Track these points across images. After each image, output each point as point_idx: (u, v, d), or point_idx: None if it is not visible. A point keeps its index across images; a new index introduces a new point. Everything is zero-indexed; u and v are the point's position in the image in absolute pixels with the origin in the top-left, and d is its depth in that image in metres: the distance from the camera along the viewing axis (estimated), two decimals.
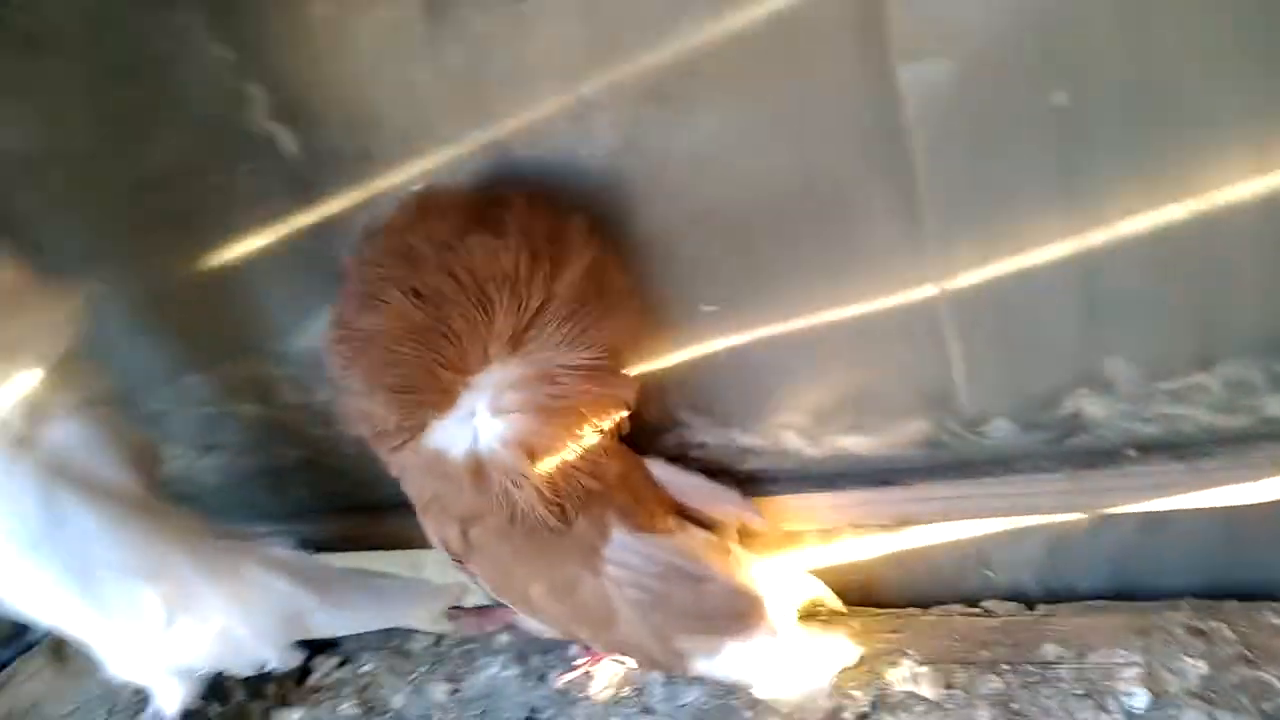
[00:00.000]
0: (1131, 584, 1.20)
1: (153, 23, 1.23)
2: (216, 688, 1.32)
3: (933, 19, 0.95)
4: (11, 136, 1.40)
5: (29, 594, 1.10)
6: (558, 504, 1.05)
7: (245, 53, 1.21)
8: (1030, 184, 1.00)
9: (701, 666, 1.14)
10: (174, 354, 1.50)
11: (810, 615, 1.28)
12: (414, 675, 1.39)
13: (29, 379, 1.15)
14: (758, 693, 1.18)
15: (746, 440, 1.26)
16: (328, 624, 1.30)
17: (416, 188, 1.18)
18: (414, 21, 1.12)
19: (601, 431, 1.09)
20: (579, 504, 1.07)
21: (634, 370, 1.17)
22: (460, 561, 1.14)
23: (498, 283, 1.01)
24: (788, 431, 1.24)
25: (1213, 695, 1.02)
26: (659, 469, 1.20)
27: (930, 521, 1.23)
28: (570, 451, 1.06)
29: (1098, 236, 1.00)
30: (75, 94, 1.32)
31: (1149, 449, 1.10)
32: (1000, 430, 1.16)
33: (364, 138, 1.21)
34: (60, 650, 1.53)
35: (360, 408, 1.07)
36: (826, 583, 1.29)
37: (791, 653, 1.16)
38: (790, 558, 1.30)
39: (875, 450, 1.22)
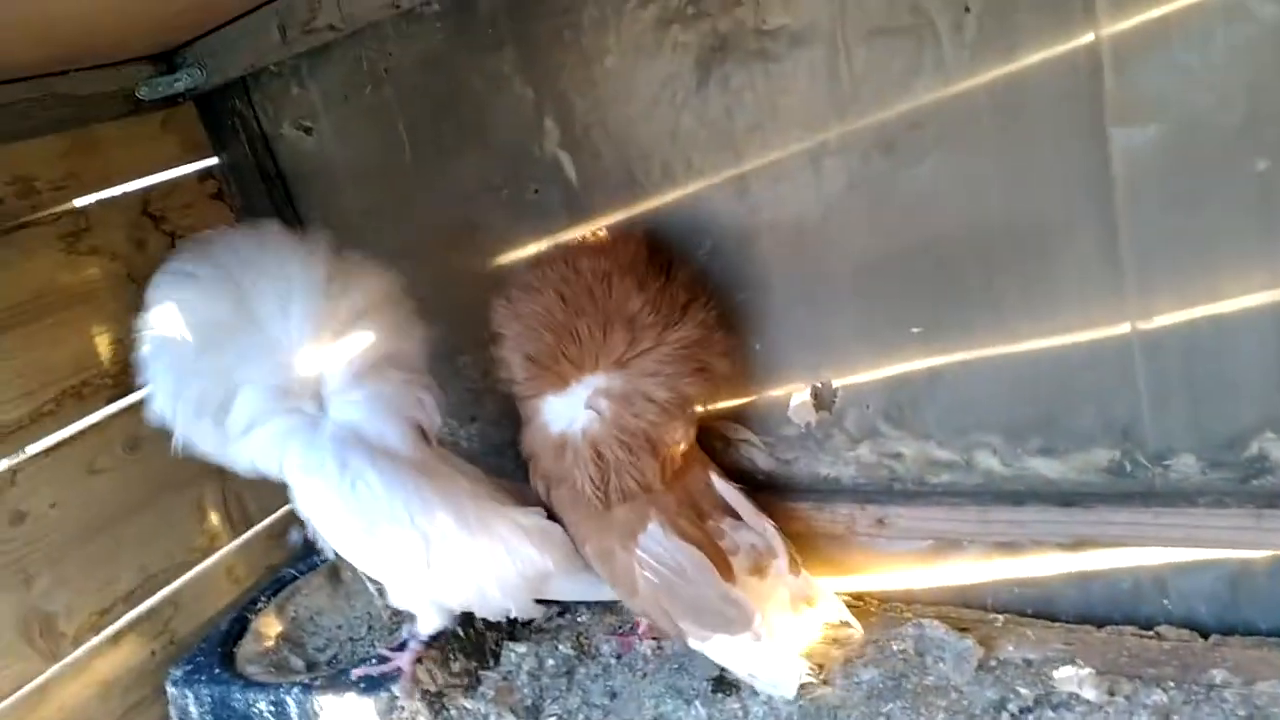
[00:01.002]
0: None
1: (472, 64, 1.54)
2: (464, 615, 1.58)
3: (1146, 90, 1.09)
4: (350, 151, 1.75)
5: (332, 533, 1.38)
6: (601, 493, 1.37)
7: (545, 92, 1.48)
8: (1229, 240, 1.11)
9: (695, 645, 1.41)
10: (452, 338, 1.80)
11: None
12: (622, 629, 1.61)
13: (351, 349, 1.43)
14: (734, 675, 1.42)
15: (941, 454, 1.40)
16: (562, 590, 1.54)
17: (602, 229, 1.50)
18: (686, 74, 1.35)
19: (661, 455, 1.38)
20: (622, 498, 1.38)
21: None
22: (548, 510, 1.48)
23: (622, 320, 1.34)
24: (982, 450, 1.37)
25: None
26: (722, 485, 1.46)
27: (1109, 545, 1.32)
28: (625, 459, 1.37)
29: None
30: (405, 120, 1.65)
31: None
32: (1184, 465, 1.25)
33: (633, 168, 1.45)
34: (337, 573, 1.85)
35: (504, 359, 1.44)
36: (1002, 596, 1.41)
37: (769, 653, 1.37)
38: (825, 583, 1.48)
39: (1062, 474, 1.33)
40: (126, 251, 1.72)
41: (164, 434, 1.70)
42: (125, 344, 1.67)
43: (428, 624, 1.50)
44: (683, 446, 1.42)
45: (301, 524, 1.84)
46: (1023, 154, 1.19)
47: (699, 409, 1.45)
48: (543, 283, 1.40)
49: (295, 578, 1.85)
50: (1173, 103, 1.09)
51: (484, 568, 1.44)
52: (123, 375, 1.67)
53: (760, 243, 1.41)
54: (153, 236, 1.77)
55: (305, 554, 1.89)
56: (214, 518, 1.81)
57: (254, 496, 1.86)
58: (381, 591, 1.83)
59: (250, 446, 1.35)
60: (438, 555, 1.38)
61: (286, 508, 1.89)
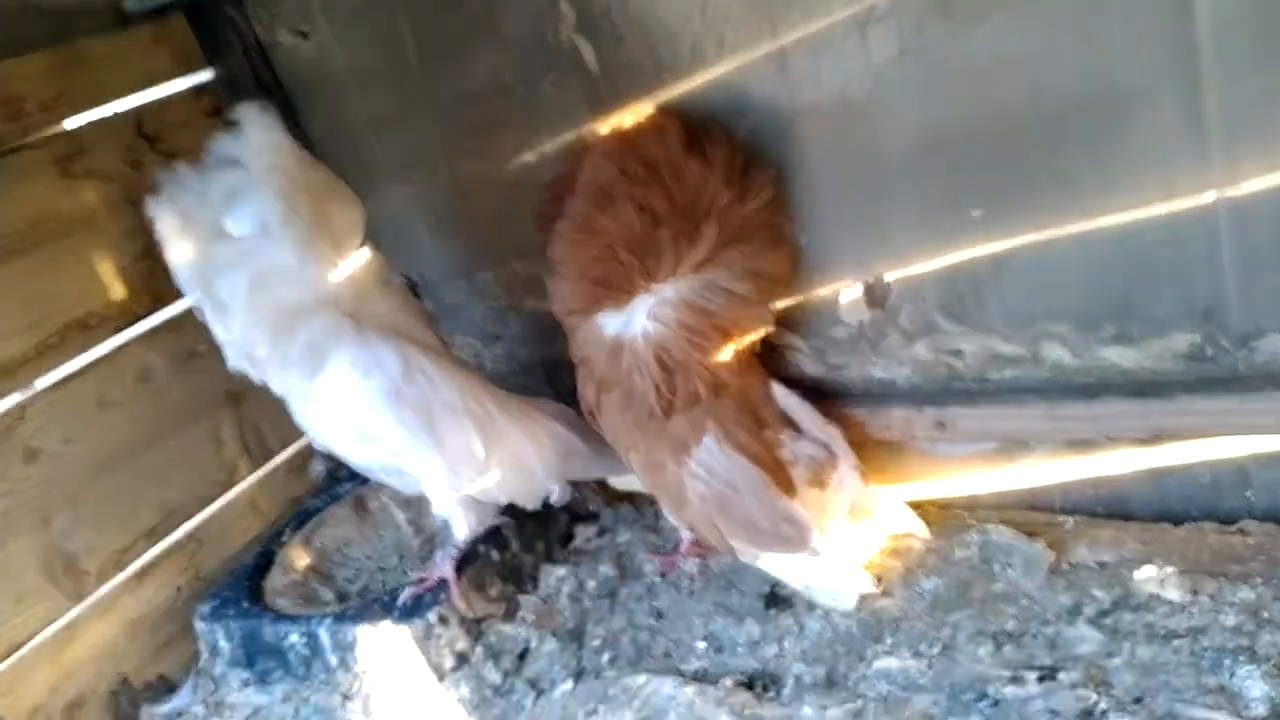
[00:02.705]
0: None
1: None
2: (499, 538, 1.51)
3: None
4: (351, 54, 1.63)
5: (385, 440, 1.32)
6: (667, 401, 1.29)
7: None
8: None
9: (747, 559, 1.35)
10: (470, 253, 1.71)
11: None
12: (664, 548, 1.54)
13: (359, 259, 1.36)
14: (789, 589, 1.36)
15: (1005, 348, 1.31)
16: (596, 467, 1.51)
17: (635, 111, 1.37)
18: None
19: (734, 350, 1.30)
20: (684, 406, 1.30)
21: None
22: (592, 416, 1.40)
23: (703, 211, 1.24)
24: (1050, 341, 1.27)
25: None
26: (782, 393, 1.38)
27: (1189, 437, 1.23)
28: (694, 365, 1.29)
29: None
30: (407, 16, 1.53)
31: None
32: (1272, 346, 1.15)
33: (659, 50, 1.33)
34: (363, 503, 1.78)
35: (562, 290, 1.34)
36: (1073, 497, 1.33)
37: (827, 565, 1.30)
38: (893, 492, 1.41)
39: (1137, 362, 1.23)
40: (123, 174, 1.63)
41: (174, 364, 1.65)
42: (129, 271, 1.59)
43: (464, 528, 1.44)
44: (761, 334, 1.35)
45: (324, 456, 1.78)
46: (1095, 12, 1.07)
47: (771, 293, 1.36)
48: (609, 193, 1.29)
49: (320, 509, 1.78)
50: None
51: (526, 448, 1.42)
52: (129, 304, 1.60)
53: (802, 125, 1.29)
54: (148, 158, 1.67)
55: (328, 485, 1.82)
56: (232, 449, 1.74)
57: (272, 428, 1.79)
58: (411, 520, 1.78)
59: (294, 355, 1.29)
60: (489, 439, 1.37)
61: (307, 439, 1.83)
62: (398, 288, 1.45)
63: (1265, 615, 1.10)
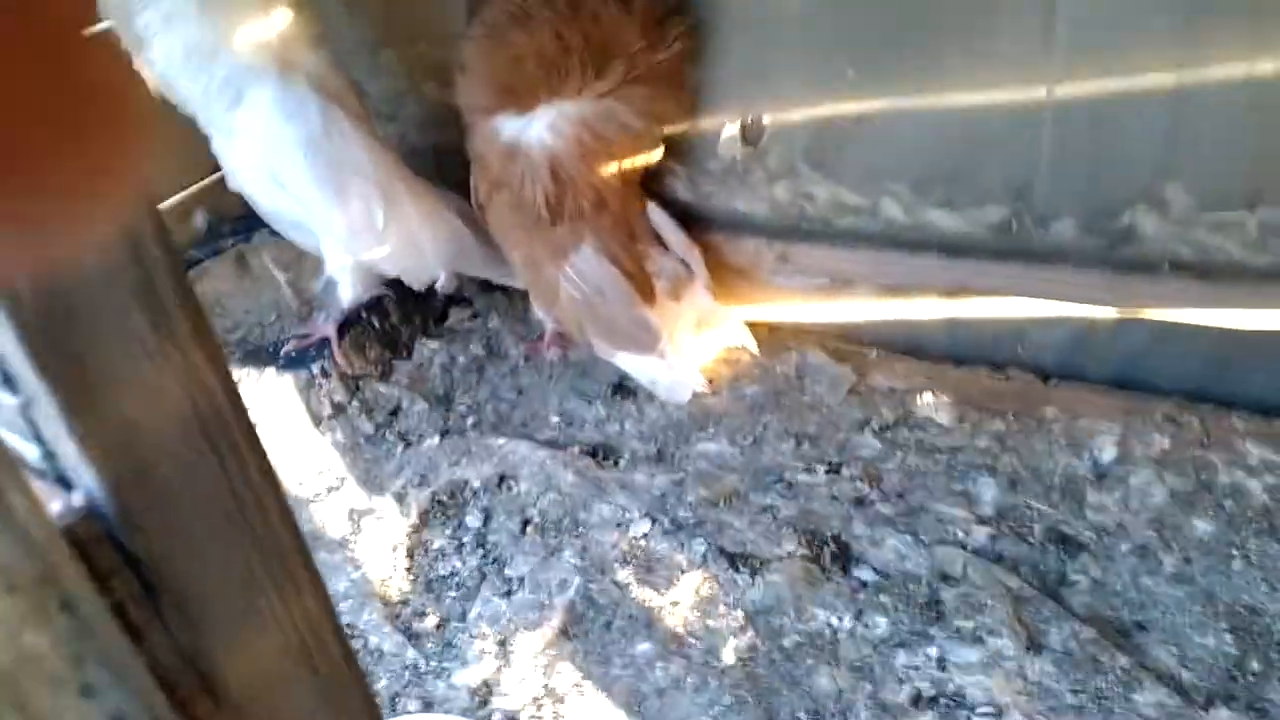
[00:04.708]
0: (1132, 379, 1.45)
1: None
2: (380, 307, 1.64)
3: None
4: None
5: (294, 186, 1.40)
6: (553, 210, 1.44)
7: None
8: (1156, 22, 1.18)
9: (602, 355, 1.55)
10: (379, 28, 1.74)
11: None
12: (530, 337, 1.71)
13: (283, 19, 1.40)
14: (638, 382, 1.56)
15: (851, 199, 1.50)
16: (484, 267, 1.64)
17: None
18: None
19: (619, 171, 1.45)
20: (568, 217, 1.46)
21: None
22: (481, 210, 1.55)
23: (610, 50, 1.37)
24: (889, 198, 1.47)
25: (1166, 463, 1.30)
26: (656, 213, 1.54)
27: (983, 294, 1.47)
28: (583, 181, 1.43)
29: (1197, 74, 1.18)
30: None
31: (1181, 267, 1.33)
32: (1063, 228, 1.38)
33: None
34: (244, 260, 1.86)
35: (469, 86, 1.46)
36: (881, 333, 1.57)
37: (670, 365, 1.50)
38: (735, 311, 1.61)
39: (955, 227, 1.45)
40: None
41: None
42: None
43: (349, 292, 1.56)
44: (646, 162, 1.47)
45: (206, 210, 1.83)
46: None
47: (663, 132, 1.49)
48: (529, 14, 1.37)
49: (200, 260, 1.84)
50: None
51: (422, 229, 1.54)
52: None
53: None
54: None
55: (210, 239, 1.88)
56: None
57: (155, 177, 1.81)
58: (291, 282, 1.87)
59: (214, 90, 1.34)
60: (390, 211, 1.47)
61: (192, 189, 1.86)
62: (325, 54, 1.48)
63: (1009, 443, 1.38)
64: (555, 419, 1.53)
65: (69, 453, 0.34)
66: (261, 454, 0.39)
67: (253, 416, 0.38)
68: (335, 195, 1.40)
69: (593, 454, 1.44)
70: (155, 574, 0.37)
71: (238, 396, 0.38)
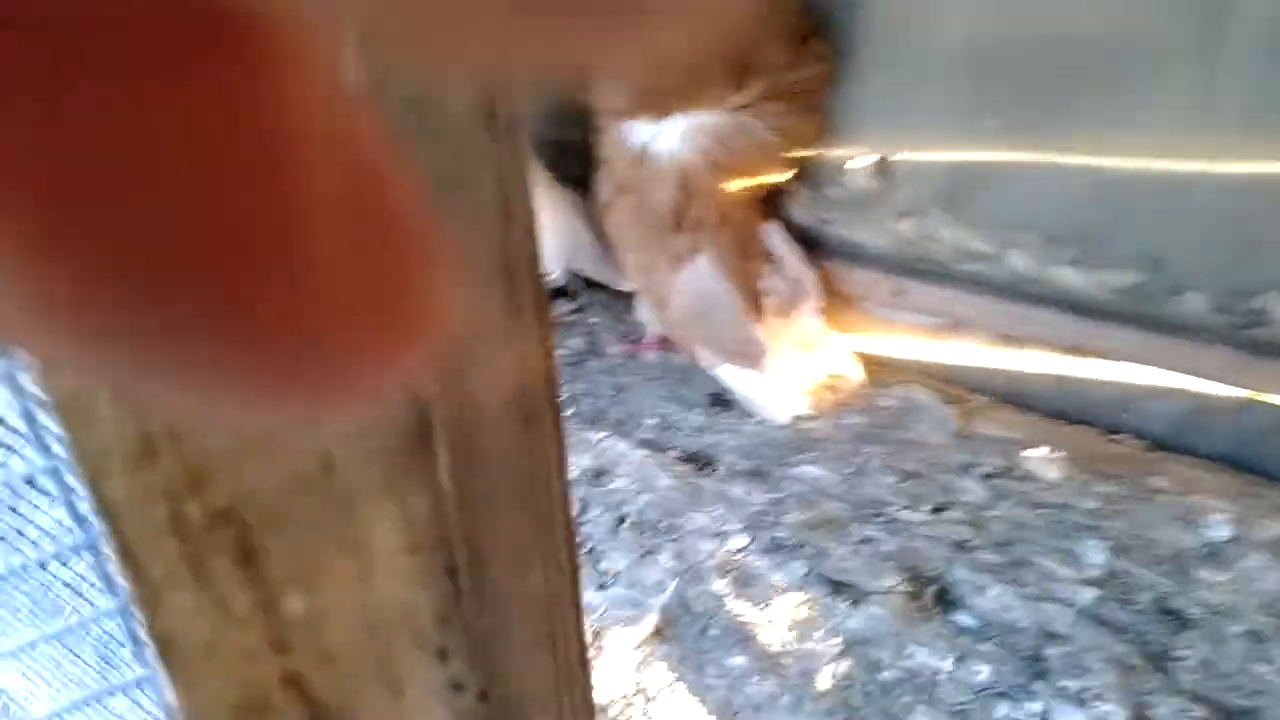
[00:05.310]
0: (1245, 460, 1.43)
1: None
2: None
3: None
4: None
5: None
6: (677, 218, 1.44)
7: None
8: None
9: (704, 365, 1.54)
10: None
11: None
12: (632, 337, 1.71)
13: None
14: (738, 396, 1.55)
15: (977, 245, 1.49)
16: (591, 264, 1.65)
17: None
18: None
19: (744, 187, 1.46)
20: (690, 227, 1.45)
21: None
22: (604, 211, 1.55)
23: (750, 65, 1.38)
24: (1017, 249, 1.46)
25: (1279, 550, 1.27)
26: (774, 232, 1.54)
27: (1101, 356, 1.46)
28: (709, 193, 1.44)
29: None
30: None
31: None
32: (1195, 302, 1.37)
33: None
34: None
35: (606, 90, 1.46)
36: (993, 381, 1.56)
37: (774, 382, 1.50)
38: (843, 338, 1.60)
39: (1082, 286, 1.44)
40: None
41: None
42: None
43: None
44: (765, 186, 1.49)
45: None
46: None
47: (792, 153, 1.51)
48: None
49: None
50: None
51: (543, 221, 1.52)
52: None
53: (866, 8, 1.40)
54: None
55: None
56: None
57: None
58: None
59: None
60: None
61: None
62: None
63: (1118, 508, 1.36)
64: (652, 421, 1.53)
65: None
66: (559, 426, 0.38)
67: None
68: None
69: (690, 460, 1.43)
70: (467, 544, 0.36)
71: (555, 381, 0.38)
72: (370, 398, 0.09)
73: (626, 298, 1.74)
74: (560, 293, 1.77)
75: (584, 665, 0.43)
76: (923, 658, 1.14)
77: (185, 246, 0.08)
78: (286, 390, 0.09)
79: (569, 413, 1.54)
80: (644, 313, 1.64)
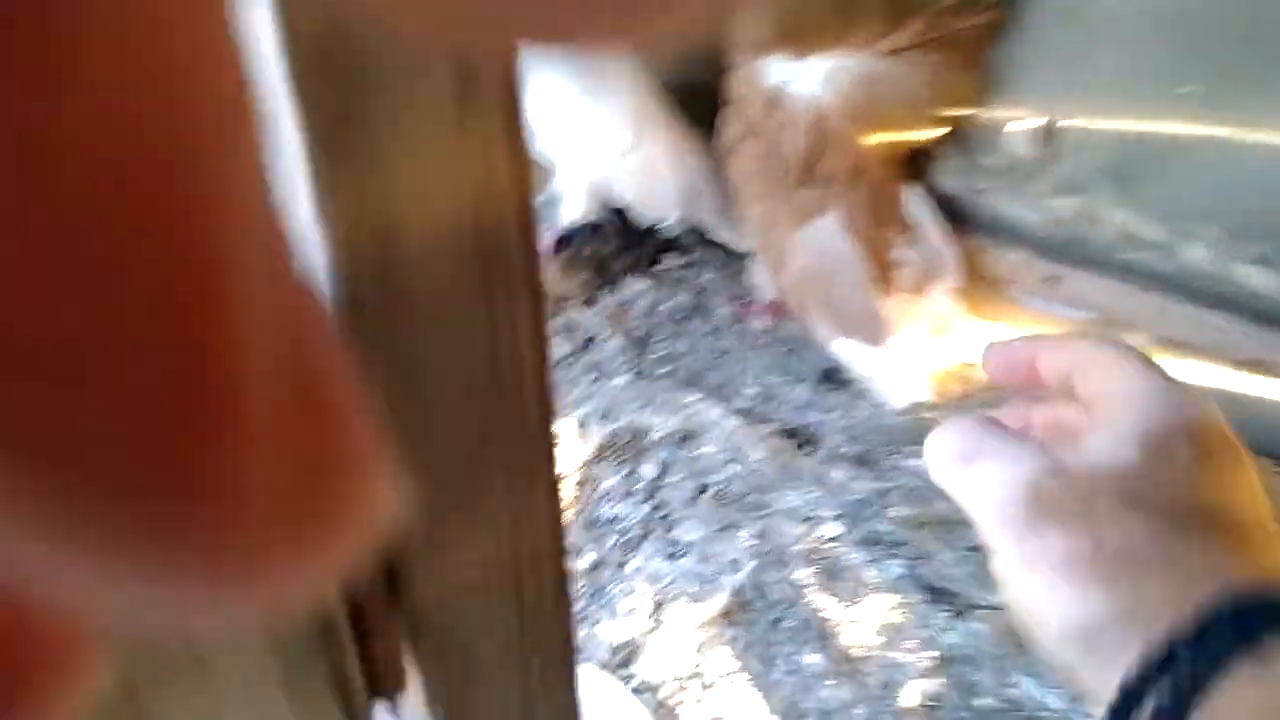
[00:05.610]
0: None
1: None
2: (597, 235, 1.56)
3: None
4: None
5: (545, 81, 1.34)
6: (806, 169, 1.31)
7: None
8: None
9: (820, 336, 1.39)
10: None
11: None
12: (744, 298, 1.59)
13: None
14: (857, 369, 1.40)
15: (1148, 232, 1.30)
16: (710, 214, 1.52)
17: None
18: None
19: (886, 142, 1.33)
20: (820, 180, 1.31)
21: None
22: (725, 155, 1.42)
23: (910, 4, 1.26)
24: (1193, 241, 1.27)
25: None
26: (915, 198, 1.39)
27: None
28: (845, 144, 1.29)
29: None
30: None
31: None
32: None
33: None
34: None
35: (745, 22, 1.32)
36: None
37: (896, 363, 1.35)
38: (979, 325, 1.43)
39: (1268, 289, 1.23)
40: None
41: None
42: None
43: (575, 210, 1.50)
44: (909, 144, 1.35)
45: None
46: None
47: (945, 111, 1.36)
48: None
49: None
50: None
51: (665, 161, 1.45)
52: None
53: None
54: None
55: None
56: None
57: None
58: None
59: None
60: (637, 133, 1.40)
61: None
62: None
63: None
64: (752, 391, 1.41)
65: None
66: (539, 303, 0.26)
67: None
68: (589, 96, 1.32)
69: (790, 435, 1.31)
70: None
71: (531, 222, 0.25)
72: (279, 589, 0.08)
73: (741, 259, 1.62)
74: (672, 244, 1.67)
75: (562, 619, 0.32)
76: (1029, 689, 1.00)
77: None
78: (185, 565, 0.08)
79: (664, 370, 1.44)
80: (759, 275, 1.52)
